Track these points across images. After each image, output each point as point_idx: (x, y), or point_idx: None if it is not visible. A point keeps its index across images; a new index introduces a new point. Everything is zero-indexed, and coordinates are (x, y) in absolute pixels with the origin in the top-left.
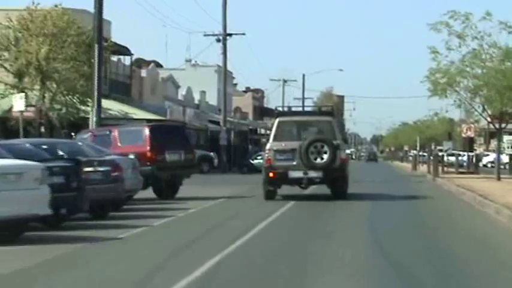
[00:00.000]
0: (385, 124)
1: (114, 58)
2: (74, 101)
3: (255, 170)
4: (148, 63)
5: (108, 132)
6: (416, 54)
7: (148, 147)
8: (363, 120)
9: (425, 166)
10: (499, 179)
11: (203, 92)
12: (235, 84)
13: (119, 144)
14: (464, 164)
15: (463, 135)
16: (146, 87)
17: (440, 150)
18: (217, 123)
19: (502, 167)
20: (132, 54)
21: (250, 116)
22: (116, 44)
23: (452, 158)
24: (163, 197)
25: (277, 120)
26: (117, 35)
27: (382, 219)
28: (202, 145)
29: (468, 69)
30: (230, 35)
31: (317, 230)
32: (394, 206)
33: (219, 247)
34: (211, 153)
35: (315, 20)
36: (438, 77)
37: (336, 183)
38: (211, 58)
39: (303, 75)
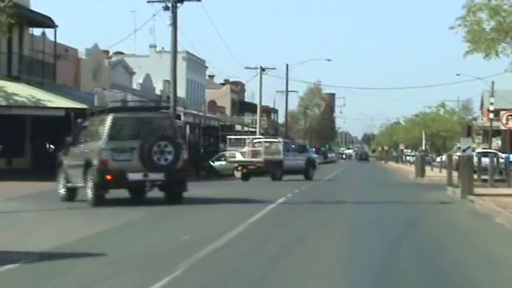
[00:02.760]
0: (377, 122)
1: (37, 32)
2: None
3: (217, 173)
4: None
5: None
6: (411, 42)
7: None
8: (353, 118)
9: (428, 169)
10: None
11: (167, 82)
12: (212, 76)
13: None
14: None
15: (503, 127)
16: (85, 72)
17: (458, 149)
18: (178, 116)
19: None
20: (56, 26)
21: (228, 111)
22: (30, 10)
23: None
24: None
25: (110, 116)
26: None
27: None
28: None
29: None
30: (181, 1)
31: None
32: None
33: None
34: None
35: (299, 8)
36: (483, 19)
37: (176, 186)
38: (180, 45)
39: (287, 66)
